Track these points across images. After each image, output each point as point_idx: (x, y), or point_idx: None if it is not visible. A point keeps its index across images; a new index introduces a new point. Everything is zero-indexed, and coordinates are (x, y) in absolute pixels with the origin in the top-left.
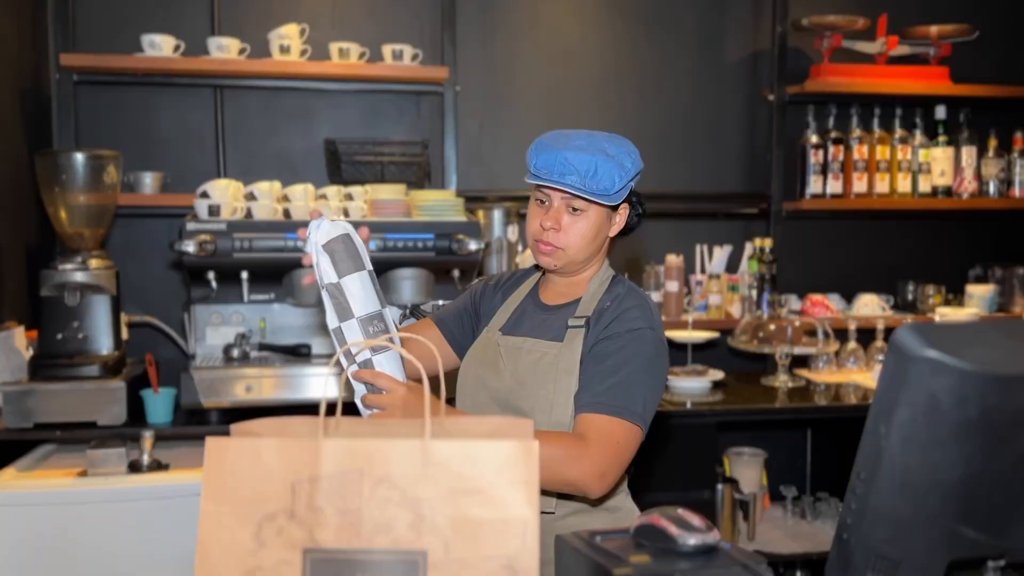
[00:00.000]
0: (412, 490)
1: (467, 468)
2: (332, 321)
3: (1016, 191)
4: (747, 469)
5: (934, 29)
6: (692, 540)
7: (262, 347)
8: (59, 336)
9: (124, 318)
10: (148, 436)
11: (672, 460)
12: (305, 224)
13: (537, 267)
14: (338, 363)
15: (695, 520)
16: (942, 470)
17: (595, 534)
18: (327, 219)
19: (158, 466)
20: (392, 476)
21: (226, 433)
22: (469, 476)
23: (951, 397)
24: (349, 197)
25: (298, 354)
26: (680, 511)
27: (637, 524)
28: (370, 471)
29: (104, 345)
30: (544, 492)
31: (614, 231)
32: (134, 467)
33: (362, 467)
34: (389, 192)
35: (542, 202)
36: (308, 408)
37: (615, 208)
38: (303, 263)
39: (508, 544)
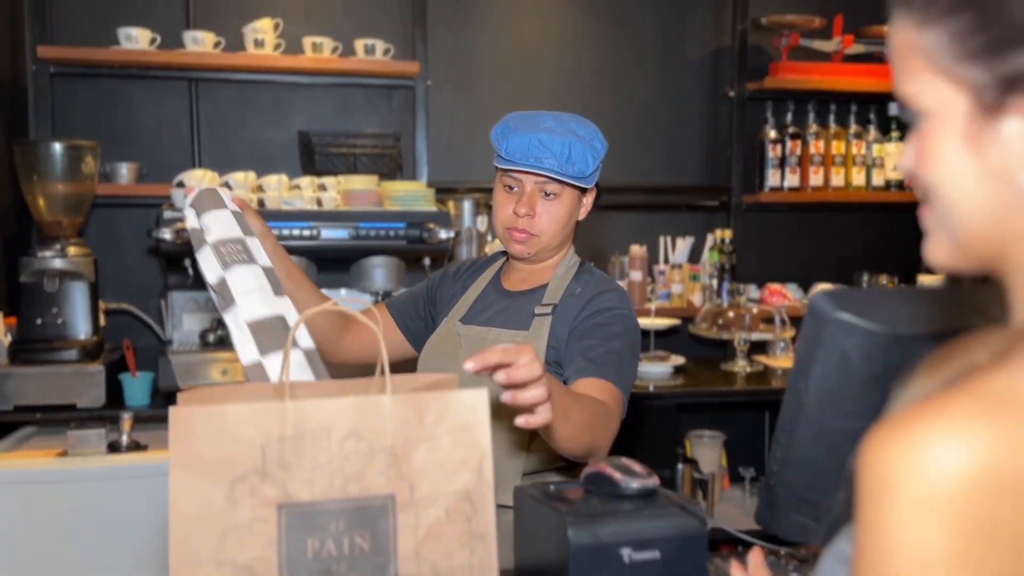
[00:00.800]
0: (378, 441)
1: (426, 417)
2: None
3: None
4: (707, 450)
5: (887, 29)
6: (635, 484)
7: None
8: (38, 321)
9: (101, 305)
10: (127, 418)
11: (635, 441)
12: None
13: (503, 253)
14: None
15: (637, 467)
16: (854, 419)
17: (549, 484)
18: (198, 188)
19: (136, 447)
20: (359, 430)
21: None
22: (428, 424)
23: (860, 354)
24: (323, 188)
25: None
26: (624, 460)
27: (586, 473)
28: (337, 427)
29: (82, 330)
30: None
31: (583, 214)
32: (113, 447)
33: (329, 424)
34: (362, 183)
35: (511, 188)
36: None
37: (585, 191)
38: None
39: (466, 479)
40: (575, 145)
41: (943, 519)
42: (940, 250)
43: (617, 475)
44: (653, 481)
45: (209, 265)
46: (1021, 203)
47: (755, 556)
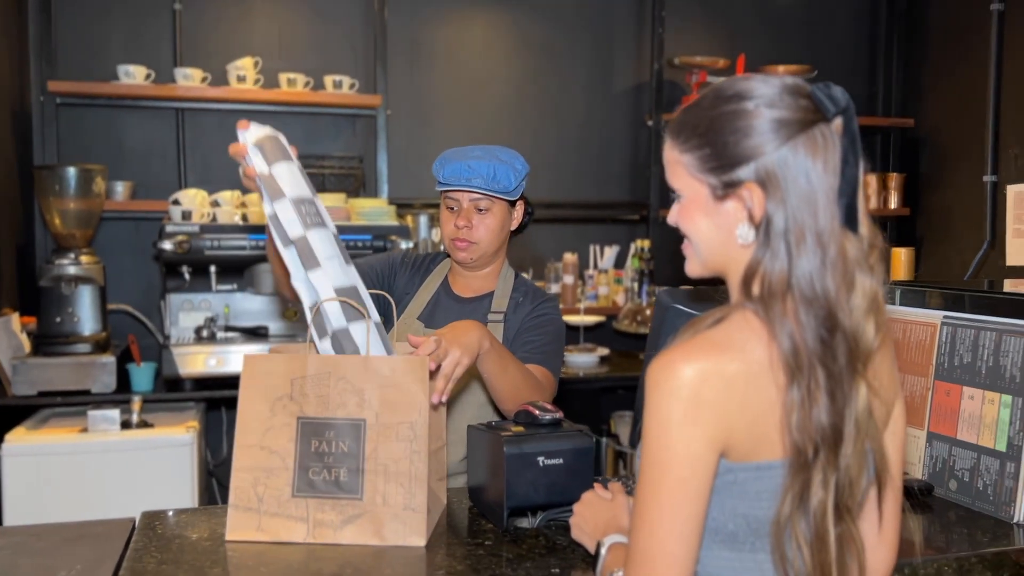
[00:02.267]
0: (358, 383)
1: (389, 372)
2: (267, 207)
3: None
4: (627, 428)
5: (780, 68)
6: (547, 417)
7: (227, 329)
8: (57, 319)
9: None
10: (137, 400)
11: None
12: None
13: (446, 255)
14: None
15: (549, 407)
16: None
17: (491, 422)
18: (254, 124)
19: (145, 424)
20: (347, 376)
21: (199, 398)
22: (390, 376)
23: None
24: None
25: (257, 334)
26: (542, 403)
27: (516, 411)
28: (334, 373)
29: (94, 327)
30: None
31: (514, 225)
32: (125, 425)
33: (330, 371)
34: (332, 200)
35: (452, 208)
36: None
37: (513, 204)
38: (245, 175)
39: (411, 414)
40: (499, 167)
41: (679, 399)
42: (693, 267)
43: (536, 411)
44: (559, 415)
45: (290, 219)
46: (733, 244)
47: (615, 484)
